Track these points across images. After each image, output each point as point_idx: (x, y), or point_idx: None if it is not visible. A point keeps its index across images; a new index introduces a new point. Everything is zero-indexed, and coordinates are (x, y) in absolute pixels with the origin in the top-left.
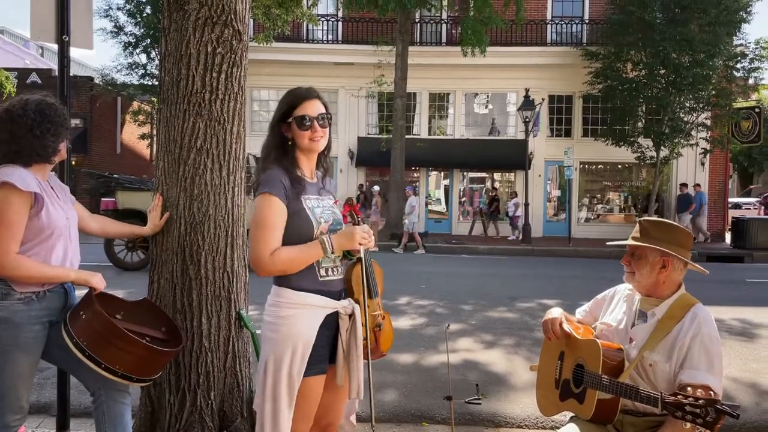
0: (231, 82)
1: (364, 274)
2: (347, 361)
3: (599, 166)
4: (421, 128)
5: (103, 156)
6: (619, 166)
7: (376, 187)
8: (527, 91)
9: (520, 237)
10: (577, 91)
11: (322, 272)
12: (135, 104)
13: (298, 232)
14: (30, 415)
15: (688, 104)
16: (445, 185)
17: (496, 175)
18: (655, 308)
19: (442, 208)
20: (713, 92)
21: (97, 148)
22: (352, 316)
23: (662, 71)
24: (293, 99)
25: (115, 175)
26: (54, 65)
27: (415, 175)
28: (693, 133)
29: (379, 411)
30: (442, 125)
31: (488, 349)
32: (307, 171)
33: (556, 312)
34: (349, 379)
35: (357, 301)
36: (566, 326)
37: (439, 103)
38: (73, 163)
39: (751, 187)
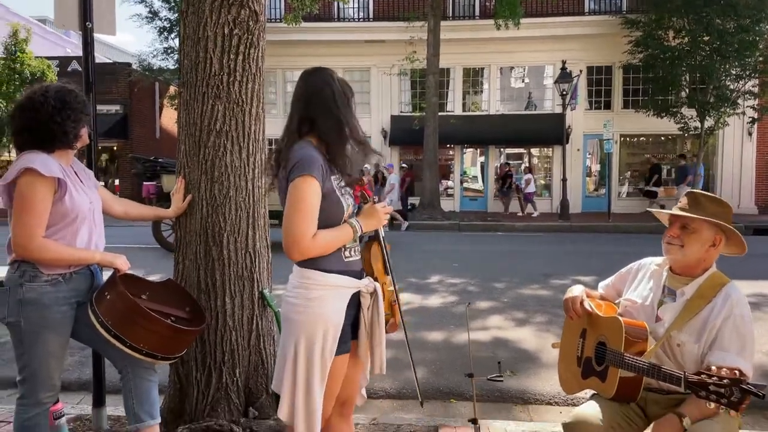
0: (248, 63)
1: (385, 252)
2: (370, 337)
3: (641, 139)
4: (455, 105)
5: (142, 141)
6: (662, 138)
7: (367, 166)
8: (564, 63)
9: (535, 213)
10: (617, 61)
11: (347, 253)
12: (172, 89)
13: (330, 214)
14: (71, 392)
15: (734, 71)
16: (480, 162)
17: (534, 151)
18: (685, 287)
19: (478, 185)
20: (760, 58)
21: (137, 133)
22: (373, 293)
23: (706, 38)
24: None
25: (160, 159)
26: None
27: (450, 152)
28: (740, 101)
29: (408, 388)
30: (476, 101)
31: (519, 326)
32: None
33: (577, 290)
34: (372, 355)
35: (375, 279)
36: (587, 304)
37: (474, 78)
38: (115, 148)
39: None
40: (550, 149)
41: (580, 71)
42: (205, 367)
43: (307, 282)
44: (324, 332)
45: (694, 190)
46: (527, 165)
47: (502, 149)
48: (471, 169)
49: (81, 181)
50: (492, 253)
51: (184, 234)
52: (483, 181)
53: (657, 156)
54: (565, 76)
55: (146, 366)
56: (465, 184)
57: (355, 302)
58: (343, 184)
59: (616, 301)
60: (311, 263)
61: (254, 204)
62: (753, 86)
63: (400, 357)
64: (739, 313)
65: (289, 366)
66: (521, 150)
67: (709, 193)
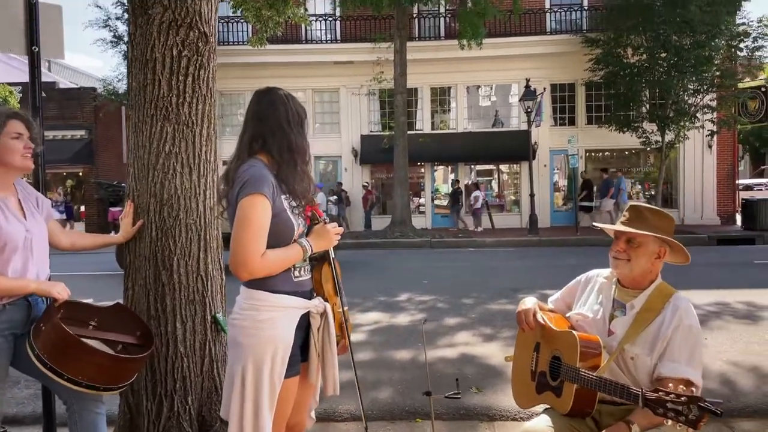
0: (198, 84)
1: (335, 273)
2: (321, 359)
3: (605, 153)
4: (423, 123)
5: (109, 166)
6: (626, 153)
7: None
8: (528, 81)
9: (479, 228)
10: (579, 78)
11: (296, 273)
12: None
13: (279, 234)
14: (26, 425)
15: (691, 86)
16: (451, 180)
17: (503, 167)
18: (634, 300)
19: (449, 202)
20: (717, 73)
21: (103, 158)
22: (323, 314)
23: (663, 54)
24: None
25: (122, 184)
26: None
27: (421, 170)
28: (698, 115)
29: (374, 408)
30: (445, 119)
31: (486, 342)
32: None
33: (529, 302)
34: (324, 377)
35: (326, 299)
36: (540, 317)
37: (441, 97)
38: (80, 174)
39: (763, 167)
40: (518, 165)
41: (544, 89)
42: (156, 395)
43: (256, 303)
44: (273, 355)
45: (640, 204)
46: (474, 182)
47: (471, 166)
48: (442, 186)
49: (22, 209)
50: (462, 269)
51: (134, 259)
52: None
53: (621, 170)
54: (529, 93)
55: (92, 398)
56: (436, 201)
57: (304, 324)
58: (294, 204)
59: (567, 315)
60: (260, 284)
61: (206, 226)
62: (711, 100)
63: (366, 377)
64: (688, 324)
65: (237, 391)
66: (491, 167)
67: (651, 206)
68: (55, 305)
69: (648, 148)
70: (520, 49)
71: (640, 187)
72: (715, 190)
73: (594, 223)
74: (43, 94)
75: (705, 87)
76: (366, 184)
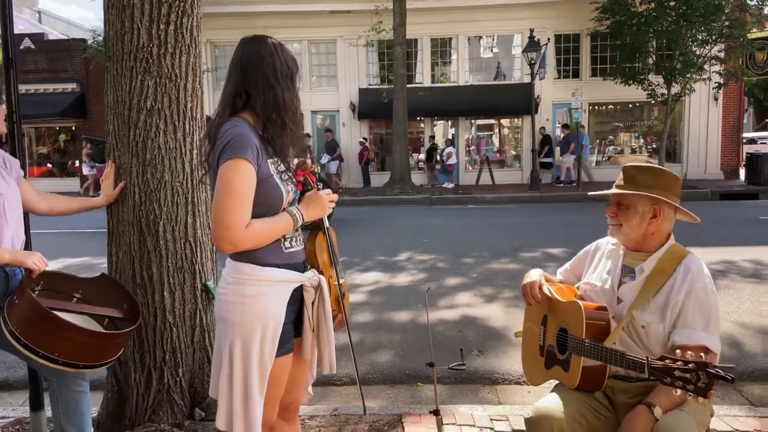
0: (181, 33)
1: (330, 243)
2: (316, 334)
3: (609, 107)
4: (423, 76)
5: (102, 121)
6: (630, 106)
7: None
8: (532, 31)
9: (449, 185)
10: (585, 29)
11: (287, 244)
12: None
13: (266, 202)
14: (17, 390)
15: (700, 37)
16: (451, 134)
17: (504, 121)
18: (643, 263)
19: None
20: (726, 23)
21: (96, 112)
22: (317, 287)
23: (672, 3)
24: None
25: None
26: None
27: (421, 125)
28: (705, 67)
29: (373, 373)
30: (445, 72)
31: (488, 303)
32: None
33: (534, 274)
34: (320, 354)
35: (320, 272)
36: (546, 288)
37: (442, 48)
38: (73, 128)
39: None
40: (520, 119)
41: (548, 39)
42: (144, 368)
43: (242, 277)
44: (262, 333)
45: (629, 164)
46: (449, 138)
47: (472, 120)
48: (442, 141)
49: None
50: (462, 227)
51: (117, 223)
52: (454, 153)
53: (625, 124)
54: (533, 44)
55: (72, 375)
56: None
57: (297, 298)
58: (282, 168)
59: (576, 285)
60: (247, 256)
61: (193, 189)
62: (719, 51)
63: (366, 339)
64: (701, 287)
65: (225, 371)
66: (492, 121)
67: (644, 164)
68: (32, 276)
69: (653, 101)
70: None
71: (642, 140)
72: (719, 143)
73: (589, 193)
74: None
75: (713, 37)
76: (363, 139)
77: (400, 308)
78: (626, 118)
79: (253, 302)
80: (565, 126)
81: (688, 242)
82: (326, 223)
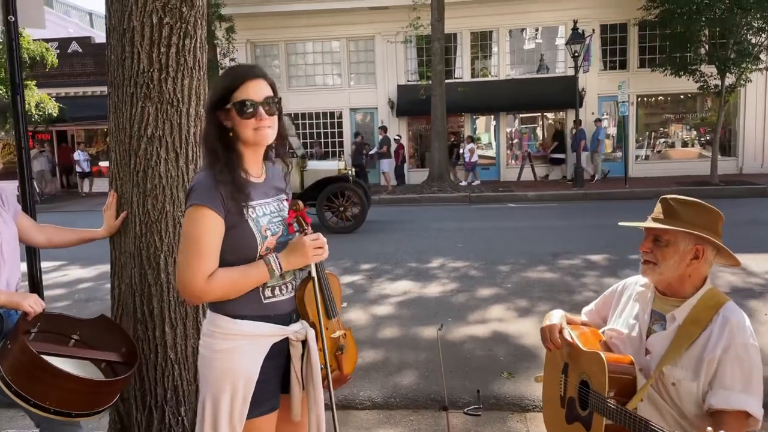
0: (183, 56)
1: (317, 294)
2: (304, 393)
3: (658, 99)
4: (463, 71)
5: None
6: (681, 97)
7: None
8: (575, 22)
9: (475, 182)
10: (632, 18)
11: (267, 293)
12: None
13: (237, 249)
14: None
15: (755, 24)
16: (492, 129)
17: (548, 115)
18: (675, 310)
19: (492, 152)
20: None
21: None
22: (306, 341)
23: None
24: (232, 79)
25: None
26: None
27: (461, 120)
28: (762, 56)
29: (397, 396)
30: (485, 66)
31: (521, 317)
32: (254, 168)
33: (555, 316)
34: (308, 414)
35: (312, 324)
36: (567, 333)
37: (482, 42)
38: None
39: None
40: (564, 113)
41: (593, 30)
42: (146, 407)
43: (214, 330)
44: (232, 391)
45: (670, 196)
46: (470, 135)
47: (514, 115)
48: (483, 135)
49: None
50: (500, 229)
51: (119, 255)
52: (495, 149)
53: (676, 116)
54: (576, 36)
55: (66, 423)
56: (478, 151)
57: (283, 350)
58: (270, 210)
59: (601, 330)
60: (219, 306)
61: None
62: None
63: (391, 358)
64: (742, 342)
65: (199, 424)
66: (535, 114)
67: (686, 198)
68: (26, 319)
69: (705, 93)
70: None
71: (695, 133)
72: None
73: (621, 222)
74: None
75: None
76: (398, 137)
77: (429, 322)
78: (677, 110)
79: (222, 358)
80: (575, 122)
81: (740, 247)
82: (314, 272)
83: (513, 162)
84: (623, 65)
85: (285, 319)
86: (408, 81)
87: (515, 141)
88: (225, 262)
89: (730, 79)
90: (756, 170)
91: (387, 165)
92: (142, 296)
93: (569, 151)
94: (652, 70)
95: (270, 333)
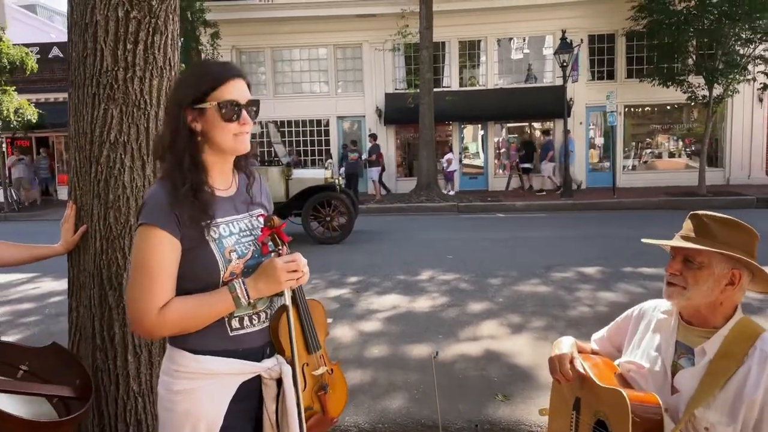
0: (152, 54)
1: (291, 325)
2: None
3: (646, 109)
4: (451, 80)
5: None
6: (668, 108)
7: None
8: (564, 32)
9: (451, 191)
10: (620, 28)
11: (235, 324)
12: None
13: (196, 275)
14: None
15: (744, 35)
16: (480, 138)
17: (535, 125)
18: (705, 343)
19: (480, 161)
20: None
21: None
22: (281, 380)
23: (714, 0)
24: (217, 76)
25: None
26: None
27: (449, 129)
28: (750, 67)
29: (385, 421)
30: (474, 75)
31: (515, 334)
32: (221, 180)
33: (565, 345)
34: None
35: (288, 360)
36: (579, 364)
37: (470, 51)
38: None
39: None
40: (552, 123)
41: (581, 40)
42: None
43: (173, 368)
44: None
45: (703, 212)
46: (449, 144)
47: (502, 124)
48: (472, 144)
49: None
50: (490, 240)
51: (78, 274)
52: (483, 159)
53: (663, 126)
54: (565, 46)
55: None
56: (466, 161)
57: (255, 389)
58: (237, 228)
59: (616, 362)
60: (180, 341)
61: None
62: (765, 50)
63: (378, 379)
64: None
65: None
66: (523, 124)
67: (720, 215)
68: None
69: (693, 103)
70: None
71: (682, 143)
72: (764, 146)
73: (643, 240)
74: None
75: (758, 36)
76: (377, 145)
77: (418, 340)
78: (664, 121)
79: (182, 400)
80: (545, 132)
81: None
82: (288, 300)
83: (501, 172)
84: (611, 75)
85: (256, 354)
86: (396, 89)
87: (503, 150)
88: (183, 290)
89: (717, 90)
90: (743, 181)
91: (376, 173)
92: (102, 320)
93: (537, 161)
94: (640, 81)
95: (238, 371)
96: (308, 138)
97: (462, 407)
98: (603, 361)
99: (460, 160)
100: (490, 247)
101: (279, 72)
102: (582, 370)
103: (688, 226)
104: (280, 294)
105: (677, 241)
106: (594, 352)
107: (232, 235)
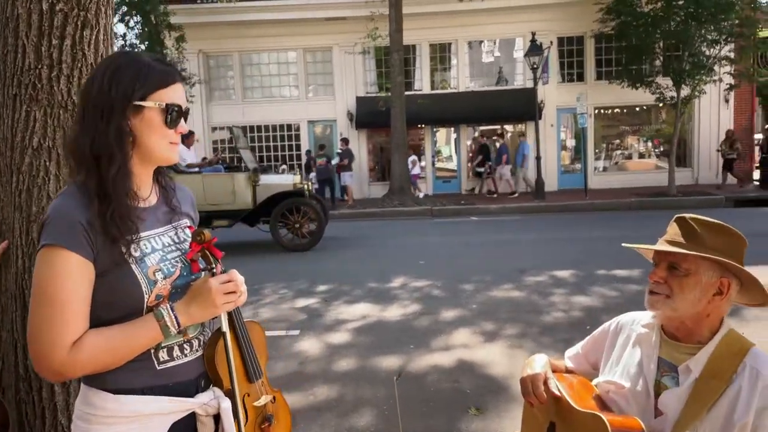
0: (81, 50)
1: (230, 354)
2: None
3: (616, 110)
4: (423, 83)
5: None
6: (638, 109)
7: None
8: (533, 35)
9: (420, 195)
10: (589, 30)
11: (163, 356)
12: None
13: (114, 302)
14: None
15: (709, 37)
16: (453, 141)
17: (508, 127)
18: (689, 360)
19: (453, 164)
20: (737, 22)
21: None
22: (219, 415)
23: (680, 2)
24: (165, 75)
25: None
26: None
27: (421, 133)
28: (716, 68)
29: None
30: (445, 78)
31: (488, 342)
32: (144, 189)
33: (538, 364)
34: None
35: (227, 392)
36: (554, 385)
37: (441, 54)
38: None
39: None
40: (524, 125)
41: (551, 42)
42: None
43: (88, 411)
44: None
45: (689, 215)
46: (417, 148)
47: (474, 127)
48: (444, 148)
49: None
50: (463, 244)
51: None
52: (456, 162)
53: (633, 128)
54: (535, 48)
55: None
56: (438, 164)
57: (190, 430)
58: (161, 244)
59: (594, 382)
60: (96, 379)
61: None
62: (729, 51)
63: (345, 395)
64: None
65: None
66: (495, 127)
67: (708, 219)
68: None
69: (662, 104)
70: (525, 0)
71: (651, 145)
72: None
73: (624, 244)
74: None
75: (724, 37)
76: (339, 150)
77: (389, 351)
78: (634, 122)
79: None
80: (499, 135)
81: None
82: (225, 326)
83: (471, 176)
84: (581, 77)
85: (189, 388)
86: (367, 93)
87: (471, 155)
88: (99, 320)
89: (685, 91)
90: (711, 180)
91: (348, 178)
92: (26, 347)
93: (493, 165)
94: (609, 82)
95: (168, 410)
96: (278, 143)
97: (434, 422)
98: (579, 382)
99: (433, 164)
100: (464, 251)
101: (248, 76)
102: (557, 392)
103: (673, 230)
104: (214, 319)
105: (662, 246)
106: (569, 371)
107: (155, 252)
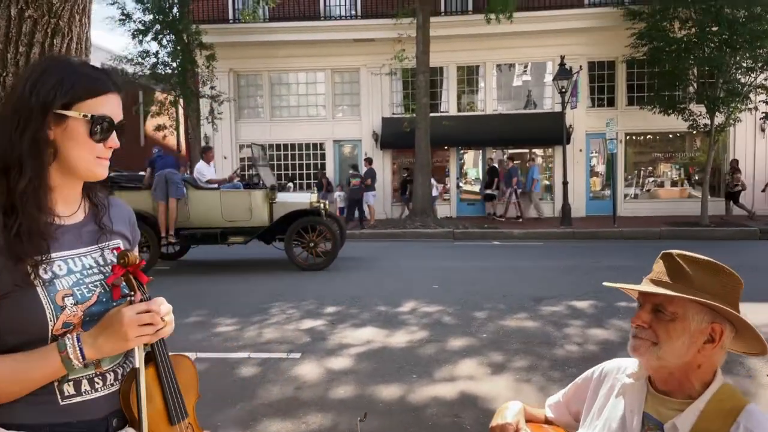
0: None
1: (141, 393)
2: None
3: (647, 137)
4: (449, 105)
5: (125, 148)
6: (670, 136)
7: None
8: (563, 58)
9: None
10: (620, 55)
11: (68, 390)
12: (157, 94)
13: (14, 329)
14: None
15: (745, 64)
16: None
17: (535, 151)
18: (677, 417)
19: (477, 188)
20: None
21: (127, 140)
22: None
23: (715, 28)
24: (95, 84)
25: (124, 173)
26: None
27: (447, 153)
28: (751, 96)
29: None
30: (472, 100)
31: (495, 374)
32: (65, 206)
33: (510, 412)
34: None
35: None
36: None
37: (468, 76)
38: None
39: None
40: (552, 149)
41: (581, 67)
42: None
43: None
44: None
45: (675, 251)
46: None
47: (502, 150)
48: (471, 170)
49: None
50: (480, 270)
51: None
52: (481, 184)
53: (665, 155)
54: (563, 72)
55: None
56: (465, 186)
57: None
58: (81, 265)
59: None
60: None
61: None
62: (765, 79)
63: (339, 424)
64: None
65: None
66: (523, 151)
67: (697, 255)
68: None
69: (694, 132)
70: (555, 24)
71: (684, 172)
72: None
73: (605, 283)
74: None
75: (760, 65)
76: (355, 170)
77: (390, 380)
78: (666, 149)
79: None
80: (510, 159)
81: (743, 297)
82: (138, 362)
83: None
84: (611, 102)
85: (98, 428)
86: (393, 113)
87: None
88: (6, 346)
89: (719, 119)
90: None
91: (371, 198)
92: None
93: (503, 188)
94: (641, 108)
95: None
96: (304, 161)
97: None
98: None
99: (458, 186)
100: (480, 276)
101: (276, 95)
102: None
103: (659, 268)
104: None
105: (645, 286)
106: (548, 421)
107: (71, 274)
